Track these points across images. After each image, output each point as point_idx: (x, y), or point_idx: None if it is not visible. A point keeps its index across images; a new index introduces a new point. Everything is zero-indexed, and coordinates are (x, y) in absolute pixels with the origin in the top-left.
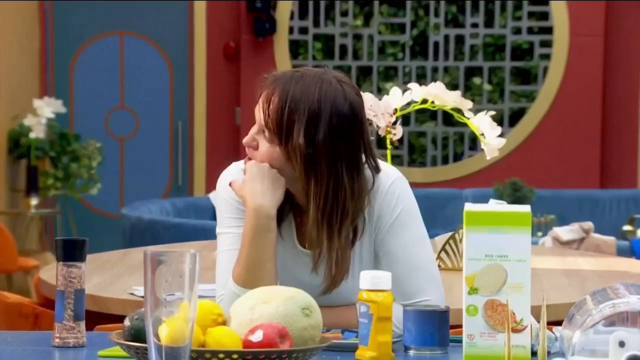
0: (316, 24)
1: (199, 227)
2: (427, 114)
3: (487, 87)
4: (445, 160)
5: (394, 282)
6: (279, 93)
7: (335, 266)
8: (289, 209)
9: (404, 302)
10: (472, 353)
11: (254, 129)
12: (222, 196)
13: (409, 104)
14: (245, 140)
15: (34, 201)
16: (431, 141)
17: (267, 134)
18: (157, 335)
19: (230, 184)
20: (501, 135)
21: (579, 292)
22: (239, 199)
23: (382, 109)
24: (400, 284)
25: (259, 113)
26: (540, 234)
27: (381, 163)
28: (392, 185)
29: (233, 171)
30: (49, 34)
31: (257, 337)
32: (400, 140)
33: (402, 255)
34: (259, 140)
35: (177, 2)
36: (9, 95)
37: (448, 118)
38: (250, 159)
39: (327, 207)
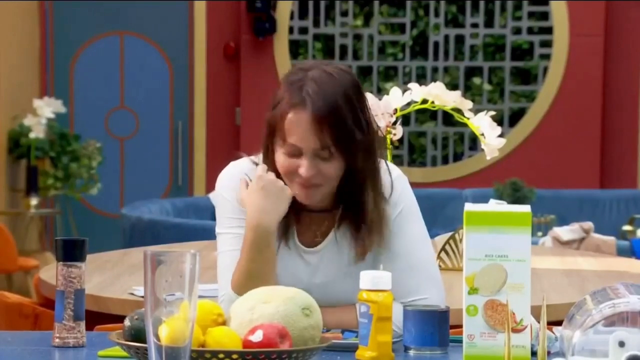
0: (316, 24)
1: (199, 227)
2: (427, 114)
3: (487, 87)
4: (445, 160)
5: (392, 279)
6: (329, 109)
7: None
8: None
9: (402, 300)
10: (472, 353)
11: (308, 159)
12: (222, 196)
13: (409, 104)
14: (309, 174)
15: (34, 201)
16: (431, 141)
17: (323, 154)
18: (157, 335)
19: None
20: (501, 135)
21: (579, 292)
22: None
23: (382, 109)
24: (399, 281)
25: (311, 140)
26: (540, 234)
27: (382, 161)
28: (393, 183)
29: (232, 172)
30: (49, 34)
31: (257, 337)
32: (400, 140)
33: (401, 252)
34: (317, 165)
35: (177, 2)
36: (9, 95)
37: (448, 118)
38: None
39: (378, 187)
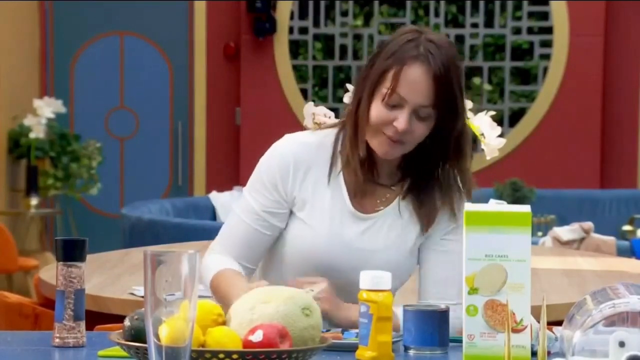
0: (316, 24)
1: (199, 227)
2: None
3: (487, 87)
4: None
5: (439, 281)
6: (445, 70)
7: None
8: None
9: (443, 300)
10: (472, 353)
11: (408, 113)
12: (263, 168)
13: None
14: (405, 126)
15: (34, 201)
16: None
17: (422, 113)
18: (157, 335)
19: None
20: (501, 135)
21: (579, 292)
22: (269, 179)
23: None
24: (445, 285)
25: (420, 95)
26: (540, 234)
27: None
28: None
29: (282, 153)
30: (49, 34)
31: (257, 337)
32: None
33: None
34: (412, 122)
35: (177, 2)
36: (9, 95)
37: None
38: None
39: (463, 165)
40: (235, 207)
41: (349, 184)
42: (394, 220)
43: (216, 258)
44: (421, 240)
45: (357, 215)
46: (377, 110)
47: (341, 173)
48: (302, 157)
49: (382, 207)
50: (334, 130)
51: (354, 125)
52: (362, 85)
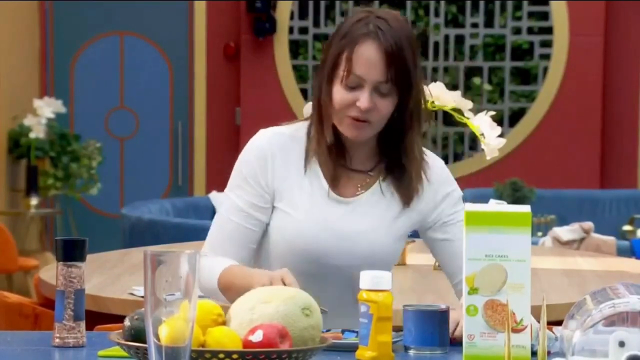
0: (316, 24)
1: (199, 227)
2: None
3: (487, 87)
4: (445, 160)
5: (455, 257)
6: (397, 45)
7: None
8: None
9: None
10: (472, 353)
11: (369, 91)
12: (241, 163)
13: None
14: (368, 105)
15: (34, 201)
16: (431, 141)
17: (383, 89)
18: (157, 335)
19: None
20: (501, 135)
21: (579, 292)
22: (250, 173)
23: None
24: (458, 261)
25: (377, 72)
26: (540, 234)
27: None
28: (441, 163)
29: (260, 145)
30: (49, 34)
31: (257, 337)
32: None
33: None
34: (374, 99)
35: (177, 2)
36: (9, 95)
37: (448, 118)
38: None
39: (420, 135)
40: (220, 209)
41: (325, 171)
42: (378, 202)
43: (213, 260)
44: (404, 219)
45: (338, 200)
46: (338, 93)
47: (316, 162)
48: (278, 147)
49: (362, 191)
50: (306, 123)
51: (318, 113)
52: (321, 72)
